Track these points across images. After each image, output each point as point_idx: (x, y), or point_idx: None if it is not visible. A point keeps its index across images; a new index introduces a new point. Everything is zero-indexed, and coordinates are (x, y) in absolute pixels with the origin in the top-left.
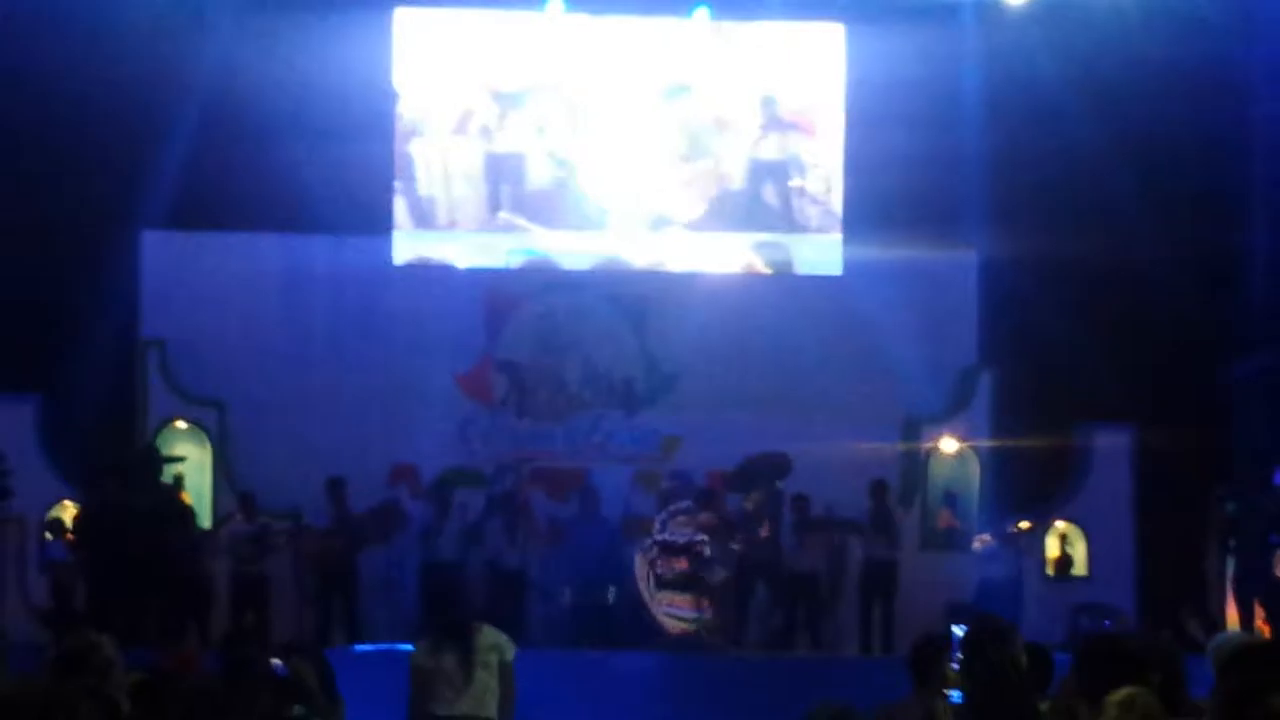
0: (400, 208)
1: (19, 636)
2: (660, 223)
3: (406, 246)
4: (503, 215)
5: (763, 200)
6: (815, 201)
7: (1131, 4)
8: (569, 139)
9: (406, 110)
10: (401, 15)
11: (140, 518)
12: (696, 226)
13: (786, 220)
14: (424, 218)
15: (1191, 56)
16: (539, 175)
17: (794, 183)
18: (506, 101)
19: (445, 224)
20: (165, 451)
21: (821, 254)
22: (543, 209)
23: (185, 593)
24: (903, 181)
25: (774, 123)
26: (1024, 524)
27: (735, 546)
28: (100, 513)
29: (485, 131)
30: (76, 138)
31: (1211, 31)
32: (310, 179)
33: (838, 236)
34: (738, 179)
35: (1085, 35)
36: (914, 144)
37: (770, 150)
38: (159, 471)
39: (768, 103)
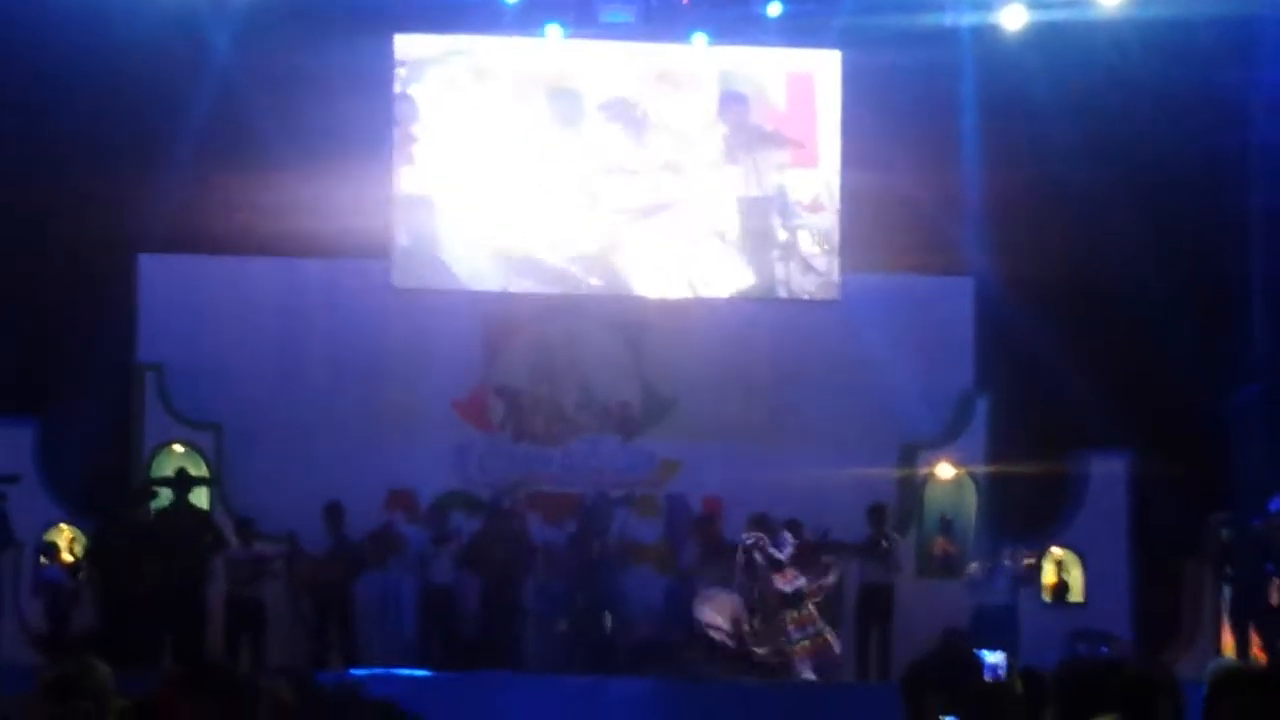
0: (398, 232)
1: (15, 660)
2: (658, 253)
3: (404, 271)
4: (498, 244)
5: (756, 232)
6: (811, 231)
7: (1129, 30)
8: (557, 169)
9: (404, 133)
10: (401, 41)
11: (166, 542)
12: (691, 259)
13: (782, 250)
14: (421, 242)
15: (1190, 84)
16: (529, 205)
17: (788, 212)
18: (497, 127)
19: (443, 249)
20: (195, 472)
21: (817, 282)
22: (535, 240)
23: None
24: (899, 208)
25: (769, 153)
26: (1028, 560)
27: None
28: (113, 536)
29: (479, 159)
30: (74, 162)
31: (1209, 59)
32: (308, 202)
33: (834, 264)
34: (731, 211)
35: (1083, 62)
36: (911, 171)
37: (765, 180)
38: (189, 493)
39: (762, 133)
